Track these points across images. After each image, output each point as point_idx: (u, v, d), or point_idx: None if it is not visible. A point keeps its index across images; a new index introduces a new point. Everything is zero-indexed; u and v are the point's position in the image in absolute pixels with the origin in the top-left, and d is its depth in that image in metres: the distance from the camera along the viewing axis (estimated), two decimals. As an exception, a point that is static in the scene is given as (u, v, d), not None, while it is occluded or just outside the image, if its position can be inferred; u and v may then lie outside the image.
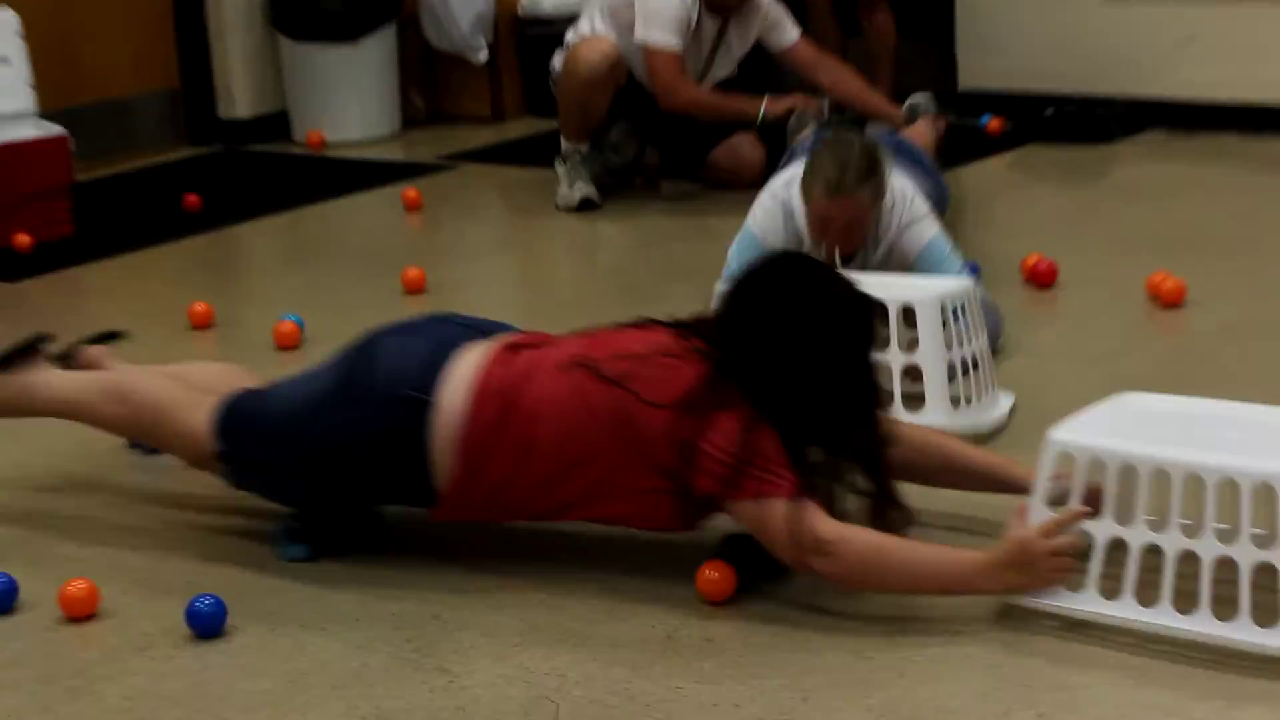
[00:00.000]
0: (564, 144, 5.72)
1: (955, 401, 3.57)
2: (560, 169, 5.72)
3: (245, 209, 5.97)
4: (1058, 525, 2.71)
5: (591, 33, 5.63)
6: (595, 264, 5.28)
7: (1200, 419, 2.82)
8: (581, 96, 5.59)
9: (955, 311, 3.58)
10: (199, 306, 4.63)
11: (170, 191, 6.12)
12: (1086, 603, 2.72)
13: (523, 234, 5.80)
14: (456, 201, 6.03)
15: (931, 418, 3.48)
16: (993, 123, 6.44)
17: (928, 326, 3.54)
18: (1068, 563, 2.70)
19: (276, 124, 7.11)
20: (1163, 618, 2.66)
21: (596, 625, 2.85)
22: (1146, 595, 2.69)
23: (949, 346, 3.56)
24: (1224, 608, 2.64)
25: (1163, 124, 6.36)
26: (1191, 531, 2.66)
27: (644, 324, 3.00)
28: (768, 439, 2.79)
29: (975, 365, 3.60)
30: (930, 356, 3.54)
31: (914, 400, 3.56)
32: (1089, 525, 2.71)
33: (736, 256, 4.10)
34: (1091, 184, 5.85)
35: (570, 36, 5.74)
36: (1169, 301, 4.29)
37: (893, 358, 3.53)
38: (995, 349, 3.89)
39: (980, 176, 5.94)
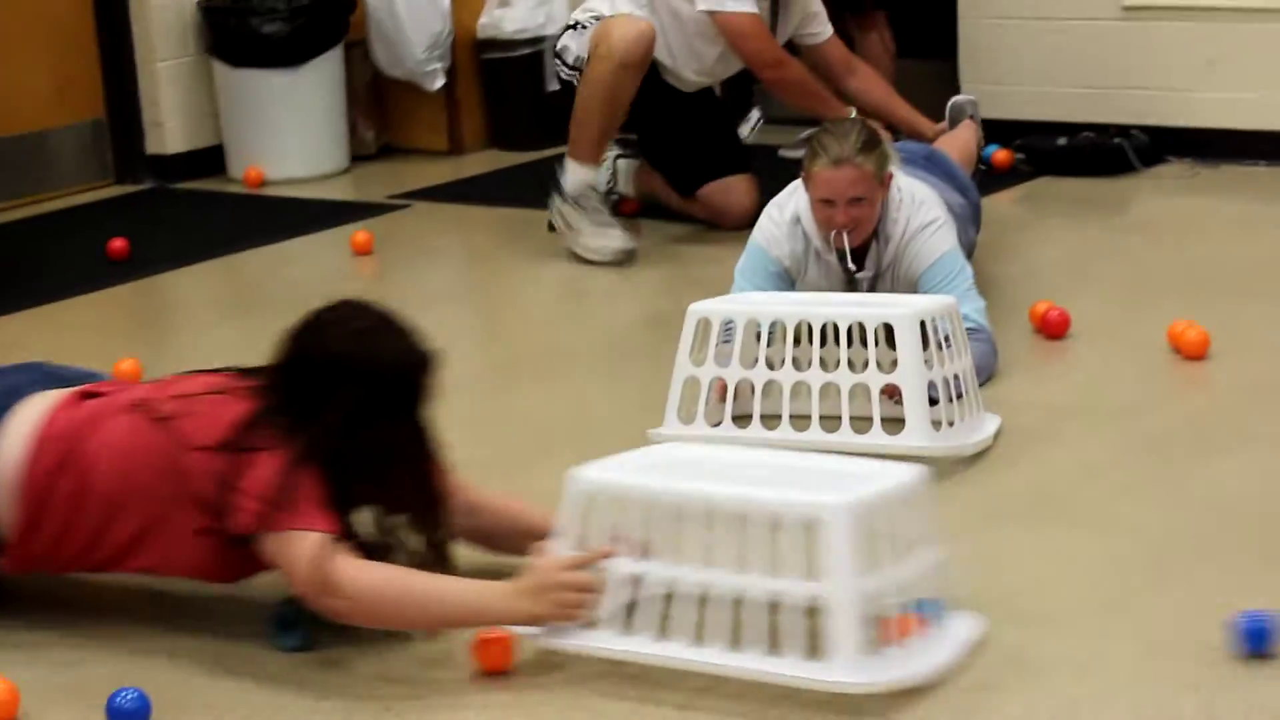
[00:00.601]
0: (573, 172, 5.56)
1: (937, 424, 3.75)
2: (569, 211, 5.57)
3: (177, 254, 6.00)
4: (576, 561, 2.95)
5: (614, 14, 5.59)
6: (565, 315, 5.33)
7: (740, 465, 3.09)
8: (613, 84, 5.44)
9: (936, 330, 3.78)
10: (126, 364, 4.65)
11: (94, 235, 6.14)
12: (600, 639, 2.93)
13: (484, 282, 5.84)
14: (411, 245, 6.06)
15: (912, 439, 3.70)
16: (1000, 154, 6.50)
17: (907, 345, 3.72)
18: (583, 599, 2.93)
19: (211, 159, 7.14)
20: (675, 651, 2.88)
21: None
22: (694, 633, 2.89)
23: (930, 366, 3.75)
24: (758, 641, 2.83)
25: (1187, 154, 6.43)
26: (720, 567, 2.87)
27: (213, 370, 3.27)
28: (308, 480, 3.01)
29: (958, 386, 3.79)
30: (910, 376, 3.72)
31: (894, 422, 3.74)
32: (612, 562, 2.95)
33: (744, 274, 4.30)
34: (1108, 221, 5.91)
35: (582, 15, 5.72)
36: (1192, 354, 4.34)
37: (871, 378, 3.74)
38: (983, 383, 4.06)
39: (986, 214, 5.96)
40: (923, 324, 3.76)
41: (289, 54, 6.95)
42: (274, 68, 6.94)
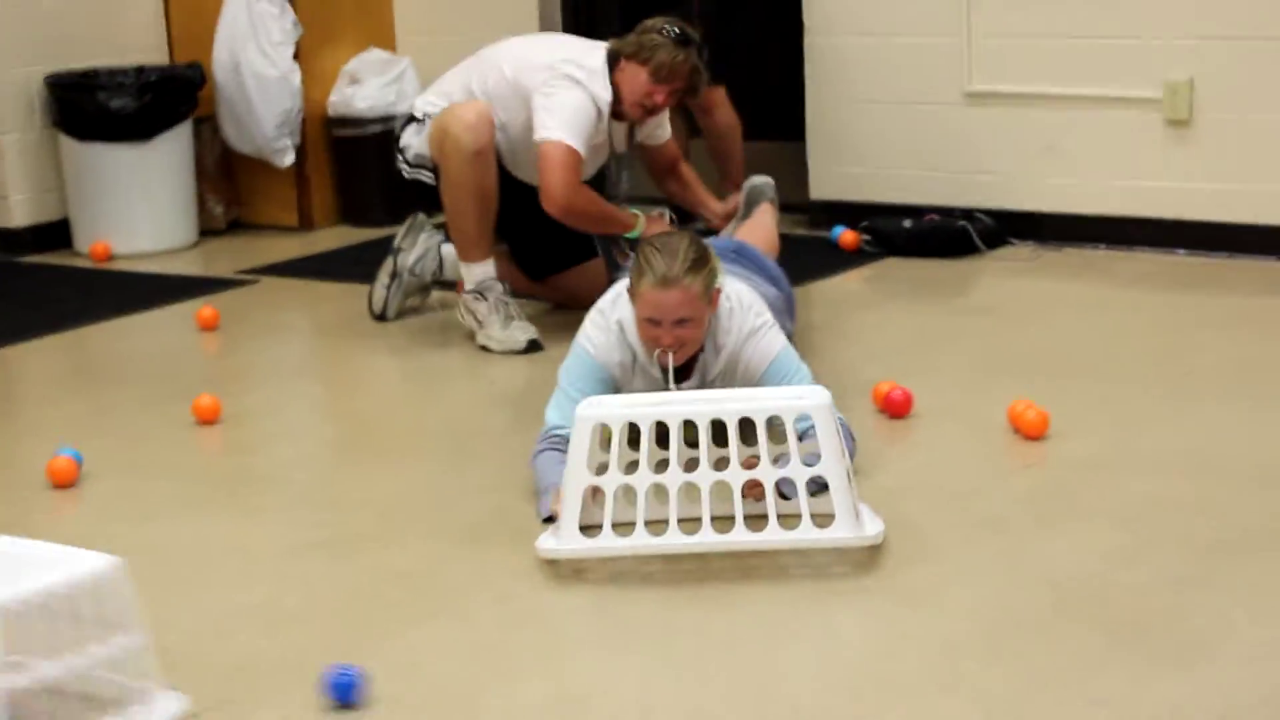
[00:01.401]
0: (468, 272, 5.50)
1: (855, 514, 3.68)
2: (474, 304, 5.50)
3: (19, 328, 5.94)
4: None
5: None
6: (411, 394, 5.30)
7: None
8: (474, 176, 5.33)
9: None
10: (-36, 440, 4.59)
11: (-65, 309, 6.08)
12: None
13: (331, 357, 5.80)
14: (258, 321, 6.03)
15: (845, 531, 3.64)
16: (846, 235, 6.55)
17: (827, 432, 3.66)
18: None
19: (57, 233, 7.08)
20: None
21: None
22: None
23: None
24: None
25: (1029, 237, 6.52)
26: None
27: None
28: None
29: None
30: (834, 464, 3.66)
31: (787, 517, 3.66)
32: None
33: (571, 379, 4.16)
34: (952, 302, 5.97)
35: (426, 106, 5.58)
36: (1031, 433, 4.38)
37: (795, 472, 3.65)
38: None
39: (832, 294, 6.03)
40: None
41: (137, 129, 6.91)
42: (122, 142, 6.90)
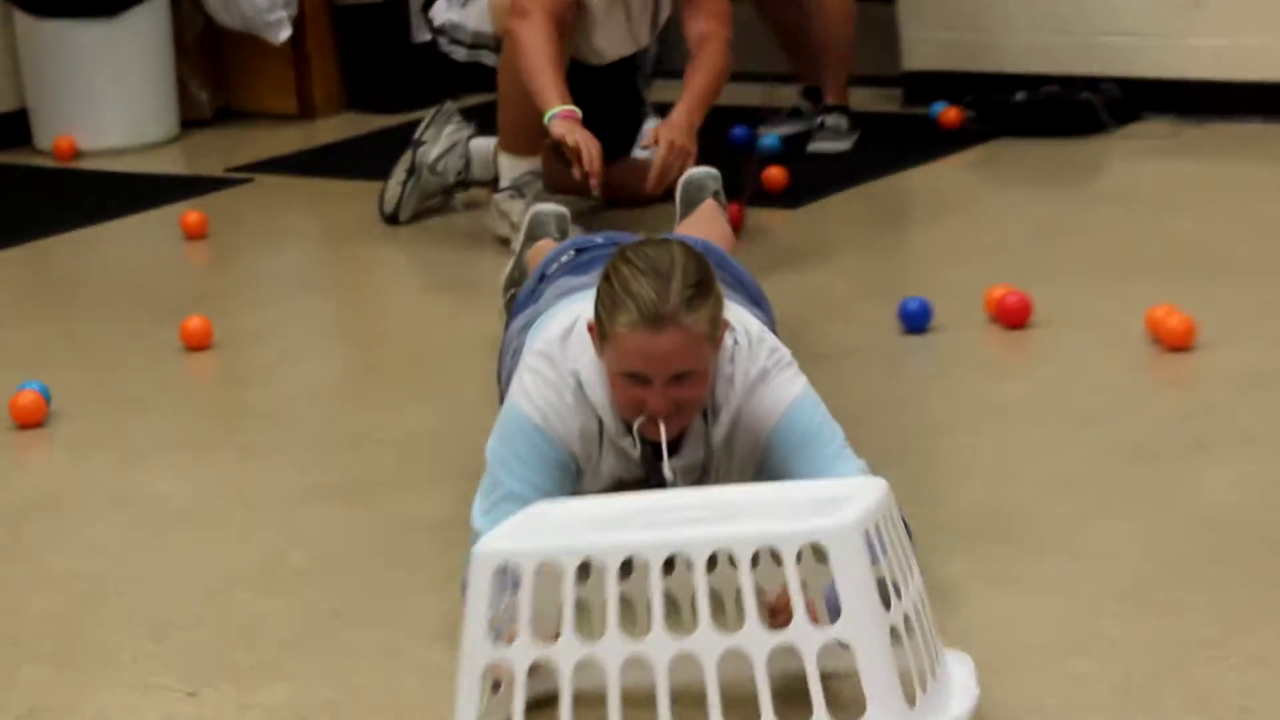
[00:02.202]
0: (510, 166, 5.51)
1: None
2: (509, 203, 5.50)
3: (-27, 241, 5.95)
4: None
5: None
6: (435, 309, 5.30)
7: None
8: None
9: (879, 535, 2.81)
10: (-89, 374, 4.61)
11: (-127, 220, 6.10)
12: None
13: (341, 269, 5.81)
14: (253, 226, 6.04)
15: None
16: (948, 113, 6.52)
17: (851, 572, 2.73)
18: None
19: (13, 128, 7.11)
20: None
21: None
22: None
23: (886, 598, 2.78)
24: None
25: (1167, 110, 6.47)
26: None
27: None
28: None
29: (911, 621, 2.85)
30: (863, 624, 2.73)
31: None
32: None
33: (510, 464, 3.28)
34: (1075, 190, 5.94)
35: None
36: (1175, 343, 4.36)
37: (802, 636, 2.71)
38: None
39: (932, 182, 6.00)
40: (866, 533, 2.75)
41: (104, 1, 6.90)
42: (86, 18, 6.91)
